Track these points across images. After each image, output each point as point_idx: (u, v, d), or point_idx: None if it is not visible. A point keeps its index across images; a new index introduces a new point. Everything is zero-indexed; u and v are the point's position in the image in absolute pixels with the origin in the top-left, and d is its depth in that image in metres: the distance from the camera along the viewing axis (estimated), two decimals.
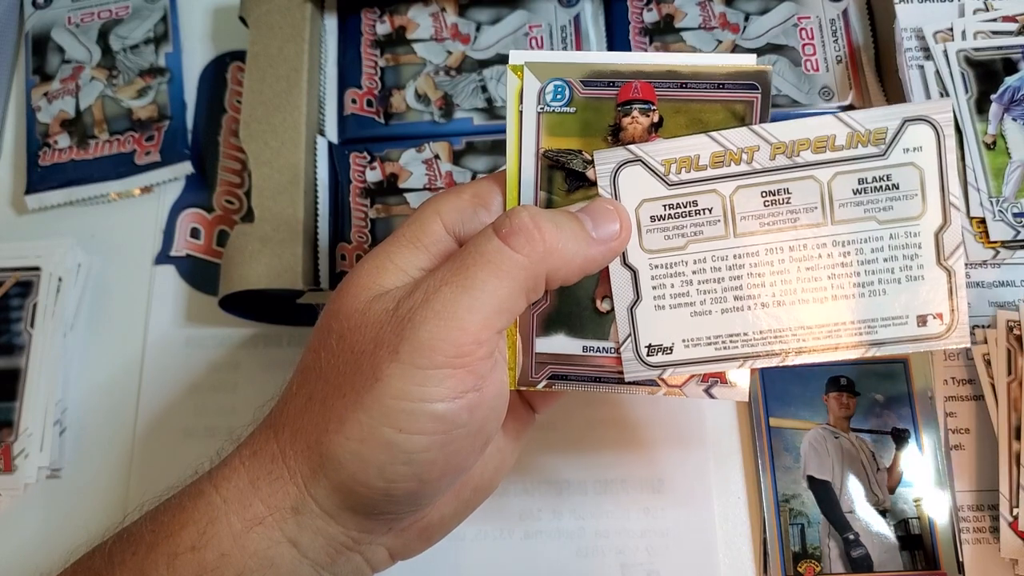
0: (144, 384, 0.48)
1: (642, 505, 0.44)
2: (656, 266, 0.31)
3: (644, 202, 0.30)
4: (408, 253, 0.30)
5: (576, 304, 0.31)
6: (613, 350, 0.31)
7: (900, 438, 0.43)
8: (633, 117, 0.30)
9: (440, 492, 0.30)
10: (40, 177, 0.51)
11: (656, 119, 0.30)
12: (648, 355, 0.31)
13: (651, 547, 0.43)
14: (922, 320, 0.29)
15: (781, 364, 0.30)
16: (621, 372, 0.31)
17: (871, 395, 0.44)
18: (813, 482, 0.43)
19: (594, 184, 0.31)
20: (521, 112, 0.31)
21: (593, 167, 0.31)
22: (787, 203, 0.30)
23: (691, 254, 0.30)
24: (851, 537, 0.42)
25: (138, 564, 0.29)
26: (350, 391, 0.28)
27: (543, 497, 0.44)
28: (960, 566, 0.41)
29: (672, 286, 0.31)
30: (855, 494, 0.43)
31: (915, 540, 0.42)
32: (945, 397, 0.45)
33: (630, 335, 0.31)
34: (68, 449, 0.47)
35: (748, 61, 0.30)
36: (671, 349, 0.31)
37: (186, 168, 0.51)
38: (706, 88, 0.30)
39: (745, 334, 0.30)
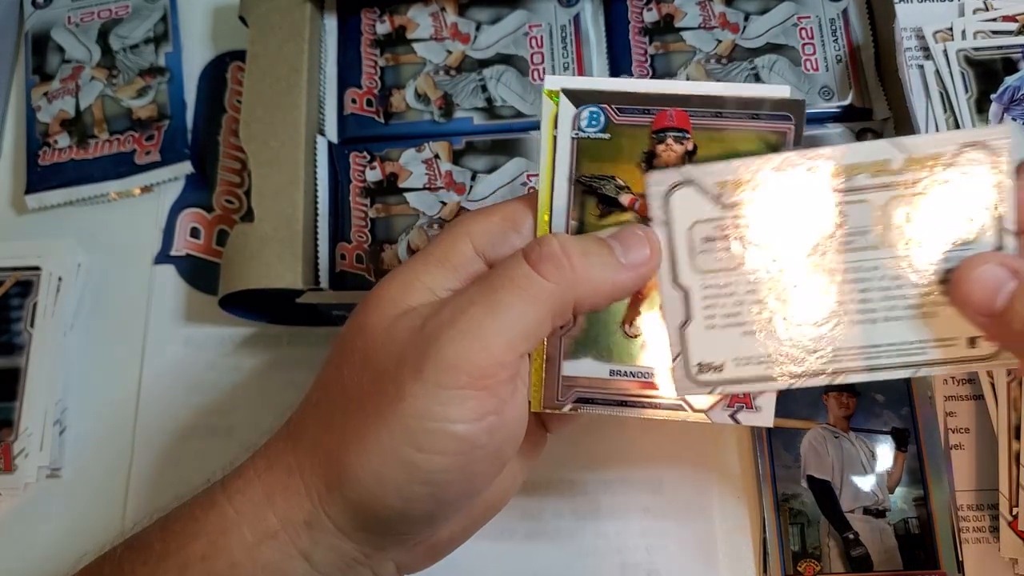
0: (144, 384, 0.48)
1: (642, 505, 0.44)
2: (708, 286, 0.30)
3: (696, 223, 0.30)
4: (436, 273, 0.30)
5: (604, 328, 0.31)
6: (641, 374, 0.31)
7: (900, 438, 0.43)
8: (667, 145, 0.30)
9: (455, 513, 0.30)
10: (40, 177, 0.51)
11: (690, 147, 0.30)
12: (698, 373, 0.31)
13: (651, 547, 0.43)
14: (971, 341, 0.29)
15: (828, 383, 0.30)
16: (648, 396, 0.31)
17: (871, 394, 0.44)
18: (813, 481, 0.43)
19: (626, 209, 0.31)
20: (555, 137, 0.31)
21: (626, 192, 0.30)
22: (842, 226, 0.30)
23: (743, 275, 0.30)
24: (851, 536, 0.42)
25: (149, 573, 0.29)
26: (372, 409, 0.28)
27: (543, 497, 0.44)
28: (960, 566, 0.41)
29: (724, 306, 0.30)
30: (855, 494, 0.43)
31: (915, 540, 0.42)
32: (945, 397, 0.45)
33: (680, 354, 0.31)
34: (68, 449, 0.47)
35: (783, 93, 0.30)
36: (721, 368, 0.31)
37: (186, 168, 0.51)
38: (741, 118, 0.30)
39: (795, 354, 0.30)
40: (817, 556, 0.42)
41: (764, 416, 0.31)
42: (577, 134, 0.31)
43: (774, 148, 0.30)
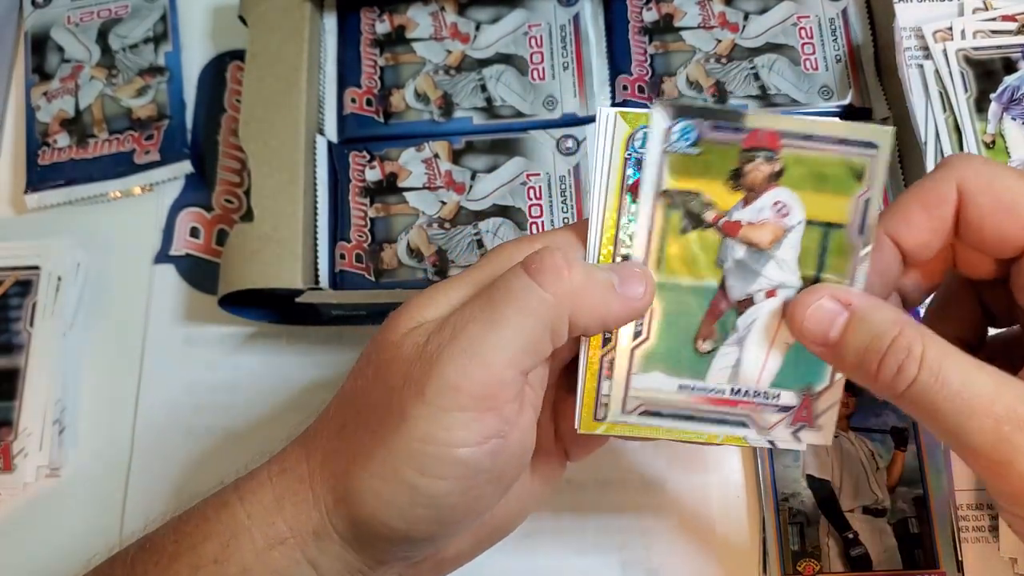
0: (143, 383, 0.48)
1: (641, 503, 0.44)
2: None
3: None
4: (463, 291, 0.30)
5: (676, 342, 0.31)
6: (711, 390, 0.31)
7: (899, 437, 0.43)
8: (756, 164, 0.30)
9: (459, 534, 0.30)
10: (39, 176, 0.51)
11: (777, 168, 0.30)
12: None
13: (650, 545, 0.43)
14: None
15: None
16: (714, 411, 0.31)
17: (870, 394, 0.44)
18: (812, 481, 0.43)
19: (710, 226, 0.30)
20: (630, 156, 0.30)
21: (711, 209, 0.30)
22: None
23: None
24: (850, 536, 0.42)
25: (160, 574, 0.29)
26: (379, 427, 0.28)
27: None
28: (959, 565, 0.41)
29: None
30: (854, 493, 0.43)
31: (914, 539, 0.42)
32: None
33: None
34: (67, 448, 0.47)
35: (872, 126, 0.30)
36: None
37: (185, 167, 0.51)
38: (828, 142, 0.30)
39: None
40: (816, 556, 0.42)
41: (825, 435, 0.31)
42: (668, 147, 0.30)
43: (858, 174, 0.30)
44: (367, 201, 0.47)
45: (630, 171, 0.30)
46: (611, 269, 0.30)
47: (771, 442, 0.31)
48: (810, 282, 0.30)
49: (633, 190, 0.30)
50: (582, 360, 0.31)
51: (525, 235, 0.31)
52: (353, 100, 0.49)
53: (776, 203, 0.30)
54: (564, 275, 0.28)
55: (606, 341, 0.31)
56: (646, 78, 0.49)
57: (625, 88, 0.48)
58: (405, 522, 0.28)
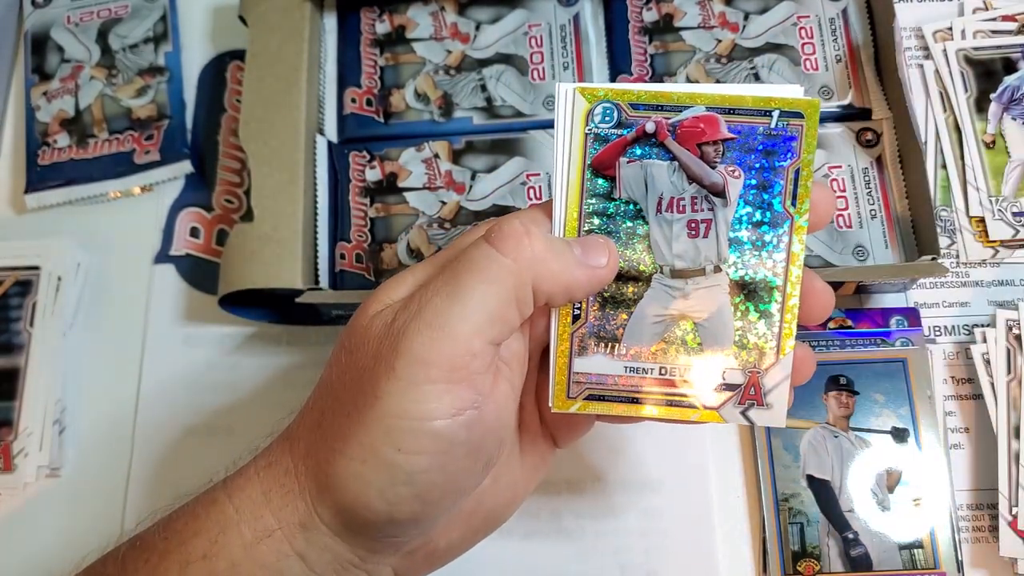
0: (143, 383, 0.48)
1: (641, 505, 0.44)
2: None
3: None
4: (431, 272, 0.30)
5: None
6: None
7: (899, 437, 0.43)
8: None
9: (442, 515, 0.30)
10: (39, 176, 0.51)
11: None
12: None
13: (650, 547, 0.43)
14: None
15: None
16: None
17: (870, 394, 0.44)
18: (812, 481, 0.43)
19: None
20: (590, 132, 0.31)
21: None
22: None
23: None
24: (850, 536, 0.42)
25: (151, 571, 0.29)
26: (353, 409, 0.28)
27: (542, 497, 0.44)
28: (960, 565, 0.41)
29: None
30: (854, 493, 0.43)
31: (914, 539, 0.42)
32: (944, 396, 0.45)
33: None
34: (67, 448, 0.47)
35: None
36: None
37: (185, 167, 0.51)
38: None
39: None
40: (817, 556, 0.42)
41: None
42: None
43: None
44: (367, 201, 0.47)
45: (591, 147, 0.31)
46: (573, 240, 0.30)
47: (747, 417, 0.31)
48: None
49: (595, 166, 0.31)
50: (552, 336, 0.31)
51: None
52: (353, 100, 0.49)
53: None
54: (525, 241, 0.28)
55: (576, 318, 0.31)
56: (646, 78, 0.49)
57: None
58: (387, 503, 0.28)
